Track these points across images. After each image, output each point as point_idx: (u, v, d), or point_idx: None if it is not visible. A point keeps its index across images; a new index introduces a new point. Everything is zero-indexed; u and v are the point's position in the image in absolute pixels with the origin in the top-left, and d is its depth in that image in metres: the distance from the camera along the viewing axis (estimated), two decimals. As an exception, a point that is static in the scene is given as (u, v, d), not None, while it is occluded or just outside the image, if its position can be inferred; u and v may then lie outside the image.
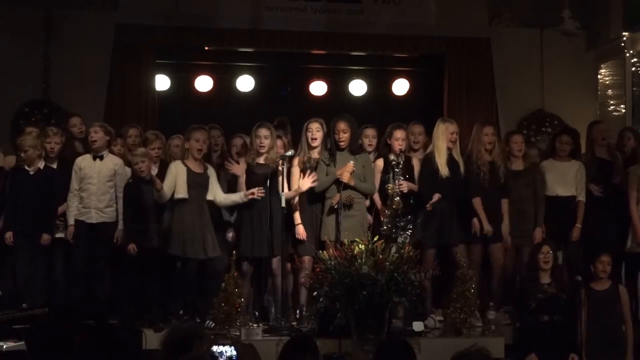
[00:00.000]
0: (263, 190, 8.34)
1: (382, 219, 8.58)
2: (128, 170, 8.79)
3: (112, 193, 8.64)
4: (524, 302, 7.97)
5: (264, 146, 8.54)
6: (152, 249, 8.46)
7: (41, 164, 8.62)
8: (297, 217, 8.60)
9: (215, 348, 6.21)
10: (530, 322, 7.92)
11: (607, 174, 9.18)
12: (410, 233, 8.42)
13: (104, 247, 8.58)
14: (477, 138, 9.01)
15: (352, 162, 8.45)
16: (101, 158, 8.65)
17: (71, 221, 8.57)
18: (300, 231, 8.55)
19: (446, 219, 8.73)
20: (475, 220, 8.80)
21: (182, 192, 8.47)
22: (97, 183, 8.59)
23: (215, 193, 8.61)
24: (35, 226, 8.54)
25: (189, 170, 8.51)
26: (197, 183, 8.50)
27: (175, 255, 8.46)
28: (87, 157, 8.70)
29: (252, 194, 8.34)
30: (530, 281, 8.08)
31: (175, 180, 8.46)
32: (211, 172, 8.65)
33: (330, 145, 8.62)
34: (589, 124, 9.71)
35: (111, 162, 8.70)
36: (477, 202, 8.87)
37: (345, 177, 8.39)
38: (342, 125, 8.57)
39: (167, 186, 8.42)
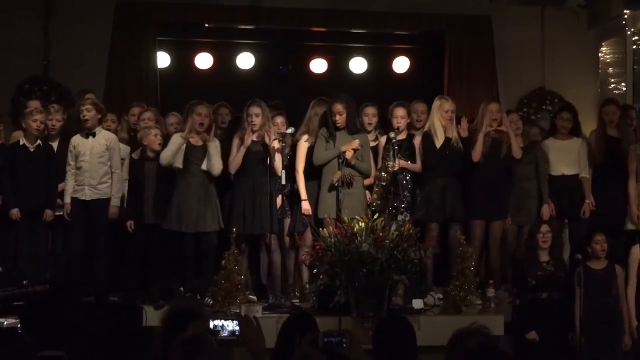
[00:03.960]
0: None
1: (372, 194, 8.61)
2: (123, 146, 8.85)
3: (105, 169, 8.64)
4: (524, 279, 7.99)
5: (255, 124, 8.52)
6: (153, 225, 8.47)
7: (40, 141, 8.62)
8: (302, 192, 8.59)
9: (215, 322, 6.22)
10: (530, 300, 7.94)
11: (616, 151, 9.19)
12: (405, 207, 8.44)
13: (101, 224, 8.59)
14: (482, 115, 8.99)
15: (357, 140, 8.46)
16: (93, 135, 8.64)
17: (67, 199, 8.58)
18: (306, 207, 8.56)
19: (446, 195, 8.75)
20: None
21: (178, 162, 8.43)
22: (89, 160, 8.58)
23: (214, 163, 8.46)
24: (37, 203, 8.55)
25: (188, 143, 8.47)
26: (196, 157, 8.45)
27: (172, 230, 8.39)
28: (79, 136, 8.69)
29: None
30: (530, 259, 8.09)
31: (176, 149, 8.41)
32: (211, 144, 8.48)
33: (329, 126, 8.62)
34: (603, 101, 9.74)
35: (103, 138, 8.68)
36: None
37: (349, 155, 8.40)
38: (338, 107, 8.56)
39: (169, 151, 8.38)
